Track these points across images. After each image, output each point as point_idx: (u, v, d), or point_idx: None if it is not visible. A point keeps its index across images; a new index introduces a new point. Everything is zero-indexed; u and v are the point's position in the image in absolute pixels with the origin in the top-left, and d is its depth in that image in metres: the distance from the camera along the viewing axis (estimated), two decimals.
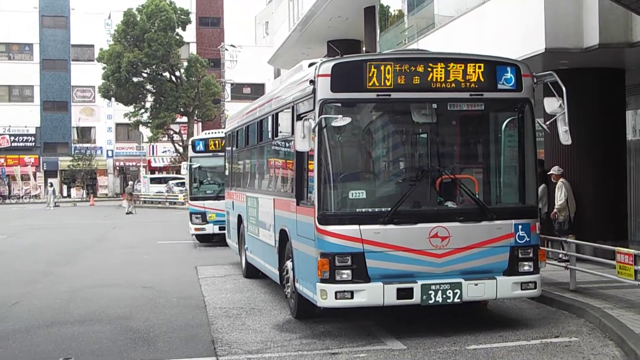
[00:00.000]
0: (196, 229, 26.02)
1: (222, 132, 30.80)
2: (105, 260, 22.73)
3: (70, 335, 12.08)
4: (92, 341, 11.61)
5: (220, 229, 24.22)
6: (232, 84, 69.14)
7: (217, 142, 26.04)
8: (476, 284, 10.82)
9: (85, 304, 14.94)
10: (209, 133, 29.11)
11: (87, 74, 78.58)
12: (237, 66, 68.93)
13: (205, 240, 26.84)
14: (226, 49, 69.52)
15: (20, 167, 78.56)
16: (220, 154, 24.15)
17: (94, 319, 13.41)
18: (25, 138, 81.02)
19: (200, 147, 26.55)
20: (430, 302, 10.68)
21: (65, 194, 79.91)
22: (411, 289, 10.63)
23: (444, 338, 10.77)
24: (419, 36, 22.15)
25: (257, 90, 71.13)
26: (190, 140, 28.00)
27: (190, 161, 26.90)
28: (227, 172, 20.85)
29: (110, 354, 10.91)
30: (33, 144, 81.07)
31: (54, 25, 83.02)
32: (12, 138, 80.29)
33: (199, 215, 25.87)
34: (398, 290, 10.61)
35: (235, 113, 20.25)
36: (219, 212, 24.00)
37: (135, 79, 60.03)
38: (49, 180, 77.95)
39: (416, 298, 10.65)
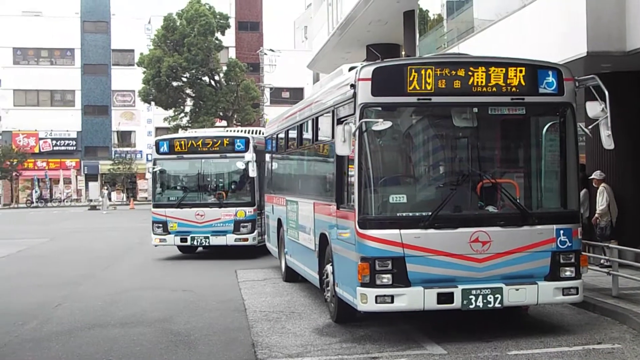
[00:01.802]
0: (157, 240, 23.46)
1: (195, 132, 29.79)
2: (146, 264, 22.97)
3: (112, 338, 12.18)
4: (134, 343, 11.70)
5: (181, 240, 22.99)
6: (271, 88, 69.33)
7: (182, 143, 23.48)
8: (517, 289, 10.74)
9: (126, 306, 15.07)
10: (198, 132, 27.43)
11: (127, 79, 79.23)
12: (276, 70, 69.14)
13: (188, 251, 24.98)
14: (265, 54, 69.73)
15: (62, 170, 79.27)
16: (186, 156, 23.29)
17: (134, 321, 13.51)
18: (66, 142, 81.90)
19: (165, 148, 23.60)
20: (470, 306, 10.63)
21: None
22: (452, 294, 10.59)
23: (484, 343, 10.71)
24: (458, 40, 22.05)
25: (296, 94, 71.29)
26: (155, 140, 24.87)
27: (154, 164, 24.29)
28: (266, 176, 20.93)
29: (151, 356, 11.00)
30: (74, 147, 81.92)
31: (95, 30, 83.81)
32: (54, 142, 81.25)
33: (160, 225, 23.27)
34: (438, 294, 10.57)
35: (275, 117, 20.36)
36: (182, 221, 22.89)
37: (175, 84, 60.35)
38: (103, 185, 78.52)
39: (457, 303, 10.60)
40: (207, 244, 23.14)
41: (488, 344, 10.69)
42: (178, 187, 24.38)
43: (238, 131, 27.75)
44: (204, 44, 58.81)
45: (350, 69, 12.51)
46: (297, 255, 15.90)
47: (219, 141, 23.16)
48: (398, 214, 10.79)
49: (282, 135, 17.98)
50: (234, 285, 17.32)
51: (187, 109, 62.94)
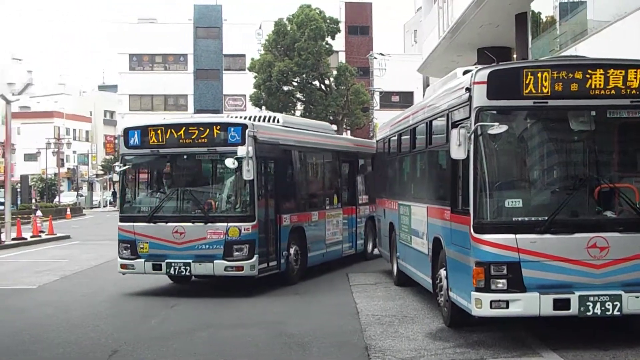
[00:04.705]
0: (122, 266, 17.20)
1: (184, 118, 23.36)
2: None
3: (227, 339, 12.46)
4: (248, 344, 11.91)
5: (154, 267, 16.72)
6: (380, 93, 69.31)
7: (159, 132, 16.97)
8: (637, 297, 10.47)
9: (240, 308, 15.32)
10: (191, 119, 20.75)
11: (239, 83, 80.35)
12: (386, 74, 69.08)
13: (179, 281, 18.62)
14: (375, 58, 69.74)
15: None
16: (162, 150, 17.03)
17: (248, 323, 13.74)
18: None
19: (135, 140, 17.21)
20: (588, 313, 10.43)
21: None
22: (568, 300, 10.41)
23: (602, 352, 10.48)
24: (572, 42, 21.70)
25: (406, 98, 71.12)
26: (123, 128, 18.02)
27: (122, 161, 17.64)
28: (377, 180, 20.92)
29: (266, 357, 11.18)
30: None
31: (207, 36, 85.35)
32: None
33: (127, 245, 17.08)
34: (555, 300, 10.41)
35: (387, 121, 20.31)
36: (155, 241, 16.70)
37: (285, 88, 60.84)
38: None
39: (573, 309, 10.42)
40: (186, 273, 16.61)
41: (606, 352, 10.46)
42: (151, 194, 17.99)
43: (330, 130, 23.98)
44: (314, 49, 59.15)
45: (465, 72, 12.47)
46: (409, 259, 15.88)
47: (208, 130, 16.69)
48: (514, 219, 10.66)
49: (394, 138, 17.99)
50: (345, 289, 17.38)
51: (298, 113, 63.43)
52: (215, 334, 12.79)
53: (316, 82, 61.70)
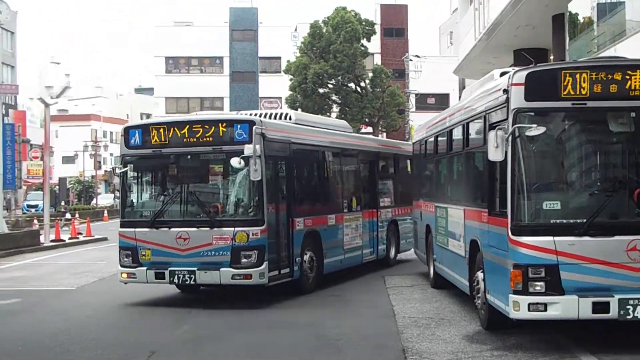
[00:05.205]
0: (124, 275, 16.33)
1: (188, 115, 20.97)
2: None
3: (261, 340, 12.49)
4: (283, 346, 11.94)
5: (157, 276, 15.76)
6: (416, 95, 69.16)
7: (162, 131, 15.98)
8: None
9: (275, 310, 15.37)
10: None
11: (274, 86, 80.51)
12: (421, 76, 68.91)
13: (185, 289, 17.76)
14: (410, 60, 69.60)
15: None
16: (165, 150, 16.06)
17: (284, 325, 13.77)
18: None
19: (137, 139, 16.28)
20: (628, 317, 10.32)
21: None
22: (607, 303, 10.31)
23: None
24: (611, 43, 21.53)
25: (442, 100, 70.88)
26: (123, 127, 17.08)
27: (122, 162, 16.75)
28: (415, 183, 20.81)
29: (301, 359, 11.18)
30: None
31: (243, 38, 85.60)
32: None
33: (128, 252, 16.22)
34: (594, 304, 10.31)
35: (423, 123, 20.24)
36: (158, 248, 15.77)
37: (321, 90, 60.89)
38: None
39: (613, 312, 10.32)
40: (191, 282, 15.59)
41: None
42: (153, 197, 17.06)
43: (354, 132, 22.84)
44: (350, 51, 59.14)
45: (502, 74, 12.43)
46: (446, 261, 15.84)
47: (213, 127, 15.72)
48: (552, 221, 10.59)
49: (430, 140, 17.95)
50: (382, 291, 17.37)
51: (333, 115, 63.47)
52: (248, 337, 12.81)
53: (352, 85, 61.67)
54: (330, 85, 61.09)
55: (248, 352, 11.69)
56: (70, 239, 35.31)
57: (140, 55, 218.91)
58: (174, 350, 11.88)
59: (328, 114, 62.44)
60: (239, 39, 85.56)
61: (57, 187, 65.37)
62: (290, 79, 61.29)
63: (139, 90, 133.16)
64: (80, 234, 37.36)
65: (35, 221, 39.29)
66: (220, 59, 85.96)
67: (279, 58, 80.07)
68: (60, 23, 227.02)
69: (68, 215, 45.16)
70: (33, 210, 55.31)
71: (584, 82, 10.57)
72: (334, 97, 62.31)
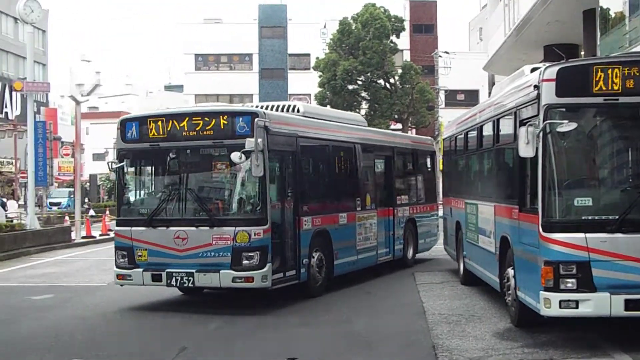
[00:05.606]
0: (118, 277, 15.51)
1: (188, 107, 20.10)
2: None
3: (293, 337, 12.50)
4: (315, 342, 11.97)
5: (154, 278, 14.86)
6: (446, 91, 69.01)
7: (160, 123, 15.11)
8: None
9: (307, 308, 15.34)
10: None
11: (303, 82, 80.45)
12: (451, 73, 68.72)
13: (188, 291, 16.86)
14: (440, 56, 69.46)
15: None
16: (163, 144, 15.17)
17: (315, 322, 13.77)
18: None
19: (133, 133, 15.46)
20: None
21: None
22: None
23: None
24: None
25: (471, 96, 70.66)
26: (119, 120, 16.18)
27: (118, 157, 15.98)
28: (444, 179, 20.72)
29: (333, 355, 11.22)
30: None
31: (272, 35, 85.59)
32: None
33: (123, 253, 15.35)
34: (626, 301, 10.24)
35: (453, 120, 20.16)
36: (155, 248, 14.91)
37: (350, 87, 60.91)
38: None
39: None
40: (189, 285, 14.71)
41: None
42: (150, 194, 16.24)
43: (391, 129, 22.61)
44: (379, 47, 59.11)
45: (533, 69, 12.37)
46: (476, 258, 15.78)
47: (214, 120, 14.74)
48: (583, 217, 10.52)
49: (460, 137, 17.89)
50: (412, 288, 17.31)
51: (362, 112, 63.44)
52: (279, 334, 12.82)
53: (381, 81, 61.66)
54: (359, 82, 61.10)
55: (280, 349, 11.63)
56: (100, 235, 35.49)
57: (170, 52, 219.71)
58: (204, 346, 11.87)
59: (357, 110, 62.45)
60: (268, 36, 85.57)
61: (88, 184, 65.70)
62: (320, 76, 61.36)
63: (168, 88, 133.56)
64: (111, 230, 37.52)
65: (67, 218, 39.54)
66: (250, 56, 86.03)
67: (308, 55, 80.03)
68: (91, 21, 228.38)
69: (92, 212, 45.38)
70: (55, 208, 55.38)
71: (615, 77, 10.47)
72: (363, 94, 62.30)
